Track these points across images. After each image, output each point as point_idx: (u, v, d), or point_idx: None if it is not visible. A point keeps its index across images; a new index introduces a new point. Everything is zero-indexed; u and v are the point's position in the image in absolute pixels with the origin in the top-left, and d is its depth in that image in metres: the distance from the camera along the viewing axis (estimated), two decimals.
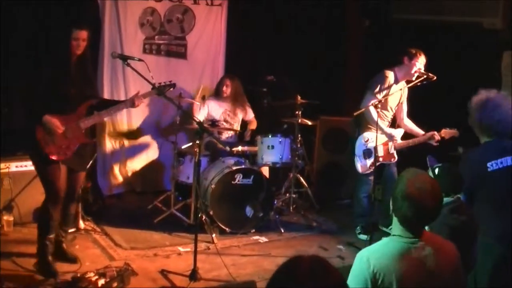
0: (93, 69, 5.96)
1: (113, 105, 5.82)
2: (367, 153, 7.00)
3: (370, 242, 6.23)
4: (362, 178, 7.13)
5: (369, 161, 6.97)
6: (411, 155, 6.93)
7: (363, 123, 7.03)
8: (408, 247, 3.09)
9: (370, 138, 6.95)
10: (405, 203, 3.10)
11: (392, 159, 6.98)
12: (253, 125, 8.07)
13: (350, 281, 3.06)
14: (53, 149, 5.38)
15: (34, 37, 7.03)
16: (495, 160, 4.52)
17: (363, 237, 6.99)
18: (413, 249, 3.10)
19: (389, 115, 7.05)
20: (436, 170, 4.34)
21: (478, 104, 4.76)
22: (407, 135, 7.11)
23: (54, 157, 5.38)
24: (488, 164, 4.53)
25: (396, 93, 6.93)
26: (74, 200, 5.91)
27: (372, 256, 3.06)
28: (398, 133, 7.02)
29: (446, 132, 6.82)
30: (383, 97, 6.78)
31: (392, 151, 6.95)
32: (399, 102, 7.08)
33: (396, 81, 6.90)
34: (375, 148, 6.67)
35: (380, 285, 3.00)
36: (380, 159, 6.93)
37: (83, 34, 5.42)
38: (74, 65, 5.48)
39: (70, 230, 6.30)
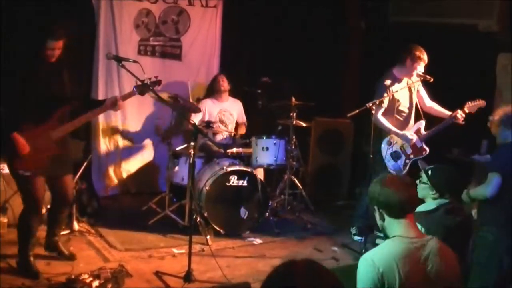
0: (74, 72, 5.81)
1: (93, 108, 5.68)
2: (395, 155, 6.90)
3: (364, 244, 6.26)
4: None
5: (400, 162, 6.88)
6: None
7: (382, 132, 6.90)
8: (409, 247, 3.13)
9: (393, 140, 6.89)
10: (385, 189, 3.22)
11: (424, 152, 6.84)
12: (242, 130, 8.08)
13: (360, 284, 3.10)
14: (21, 164, 5.30)
15: (27, 37, 7.00)
16: None
17: (357, 238, 6.99)
18: (414, 248, 3.14)
19: (406, 113, 6.98)
20: (430, 172, 4.35)
21: None
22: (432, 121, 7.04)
23: (22, 172, 5.32)
24: None
25: (402, 91, 6.89)
26: (66, 205, 5.88)
27: (376, 258, 3.10)
28: (418, 126, 6.93)
29: (471, 106, 6.71)
30: (387, 104, 6.80)
31: (420, 144, 6.86)
32: (410, 96, 7.01)
33: (398, 81, 6.89)
34: (402, 147, 6.77)
35: (387, 285, 3.04)
36: (411, 156, 6.86)
37: (59, 44, 5.32)
38: (48, 71, 5.39)
39: (64, 232, 6.32)
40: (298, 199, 8.10)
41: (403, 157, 6.86)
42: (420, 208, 4.32)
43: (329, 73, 9.29)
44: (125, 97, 5.71)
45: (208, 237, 6.61)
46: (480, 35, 7.78)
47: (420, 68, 6.75)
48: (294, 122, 7.59)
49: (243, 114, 8.17)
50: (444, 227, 4.04)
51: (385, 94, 6.75)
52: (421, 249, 3.15)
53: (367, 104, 6.76)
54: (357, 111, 6.92)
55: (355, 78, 9.47)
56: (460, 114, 6.70)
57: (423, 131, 6.90)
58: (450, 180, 4.32)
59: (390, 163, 6.90)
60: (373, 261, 3.09)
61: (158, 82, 5.76)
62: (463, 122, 6.73)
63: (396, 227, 3.23)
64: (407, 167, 6.81)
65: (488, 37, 7.77)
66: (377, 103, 6.70)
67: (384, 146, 6.94)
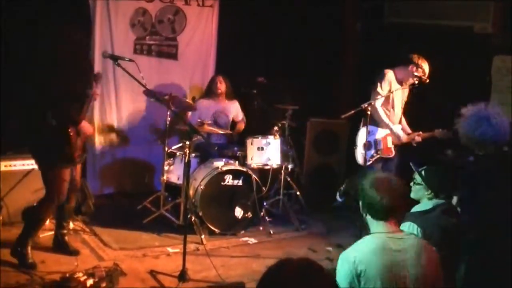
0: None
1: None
2: (367, 145, 7.01)
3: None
4: (365, 171, 7.22)
5: (369, 153, 7.03)
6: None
7: (371, 118, 6.91)
8: (386, 241, 3.19)
9: (372, 131, 7.03)
10: (372, 191, 3.26)
11: (390, 154, 7.02)
12: (241, 126, 8.12)
13: (338, 280, 3.12)
14: (78, 153, 5.64)
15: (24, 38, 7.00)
16: None
17: (339, 199, 7.26)
18: (391, 242, 3.19)
19: (394, 113, 7.09)
20: (423, 172, 4.36)
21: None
22: None
23: (79, 160, 5.70)
24: None
25: (398, 91, 7.00)
26: (76, 192, 6.09)
27: (354, 254, 3.17)
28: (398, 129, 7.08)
29: (440, 133, 6.84)
30: (386, 94, 6.91)
31: (390, 145, 7.01)
32: (401, 101, 7.16)
33: (397, 80, 6.99)
34: (376, 141, 6.90)
35: (364, 279, 3.09)
36: (379, 152, 7.03)
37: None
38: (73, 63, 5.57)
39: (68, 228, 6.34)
40: (293, 199, 8.10)
41: (373, 150, 7.06)
42: (416, 208, 4.35)
43: (324, 74, 9.29)
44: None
45: (202, 236, 6.62)
46: (475, 37, 7.80)
47: (418, 74, 6.85)
48: (289, 123, 7.60)
49: (240, 112, 8.20)
50: (440, 227, 4.05)
51: (385, 82, 6.93)
52: (399, 241, 3.22)
53: (362, 105, 6.80)
54: (352, 112, 6.95)
55: (351, 79, 9.48)
56: (416, 139, 6.96)
57: (401, 134, 7.06)
58: (444, 180, 4.34)
59: (360, 151, 7.11)
60: (352, 258, 3.15)
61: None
62: (415, 145, 6.96)
63: (375, 226, 3.31)
64: (372, 160, 7.02)
65: (483, 39, 7.79)
66: (379, 87, 6.88)
67: (361, 133, 7.11)
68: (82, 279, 5.04)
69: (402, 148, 7.14)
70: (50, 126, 5.39)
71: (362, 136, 7.05)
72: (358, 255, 3.15)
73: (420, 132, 6.98)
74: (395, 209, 3.29)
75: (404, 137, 7.00)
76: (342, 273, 3.15)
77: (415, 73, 6.83)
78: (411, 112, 7.45)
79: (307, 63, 9.17)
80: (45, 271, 5.47)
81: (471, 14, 7.81)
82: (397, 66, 7.03)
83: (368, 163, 6.98)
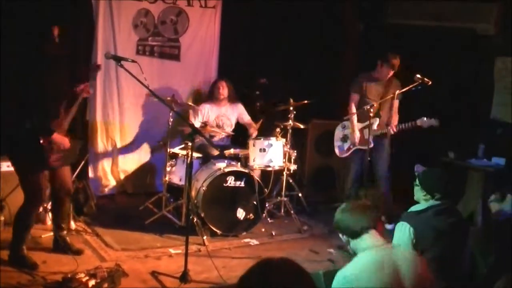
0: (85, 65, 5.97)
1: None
2: (344, 138, 7.88)
3: None
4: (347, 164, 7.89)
5: (346, 145, 7.82)
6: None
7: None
8: (381, 259, 3.24)
9: (347, 125, 7.79)
10: (344, 216, 3.46)
11: (368, 145, 7.23)
12: (254, 129, 8.02)
13: None
14: (55, 157, 5.52)
15: (25, 38, 7.00)
16: None
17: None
18: (386, 258, 3.25)
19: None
20: (421, 175, 4.39)
21: None
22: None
23: (56, 164, 5.57)
24: None
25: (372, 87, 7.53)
26: (67, 195, 6.02)
27: (352, 273, 3.19)
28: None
29: (424, 122, 7.06)
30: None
31: (367, 137, 7.26)
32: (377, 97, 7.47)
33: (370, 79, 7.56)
34: (351, 133, 7.54)
35: None
36: (356, 144, 7.55)
37: (55, 30, 5.48)
38: (52, 67, 5.54)
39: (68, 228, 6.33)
40: (295, 200, 8.10)
41: (349, 142, 7.74)
42: (411, 209, 4.39)
43: (326, 75, 9.30)
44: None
45: (204, 237, 6.61)
46: (478, 38, 7.80)
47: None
48: (291, 124, 7.60)
49: (245, 114, 8.16)
50: (432, 228, 4.07)
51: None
52: (392, 256, 3.28)
53: (364, 107, 6.83)
54: (355, 112, 6.96)
55: (350, 79, 9.48)
56: (392, 127, 7.37)
57: (374, 127, 7.36)
58: (438, 181, 4.36)
59: (337, 143, 7.96)
60: (349, 276, 3.18)
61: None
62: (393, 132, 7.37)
63: (362, 243, 3.38)
64: (349, 152, 7.71)
65: (486, 40, 7.80)
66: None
67: (338, 128, 7.96)
68: (84, 279, 5.03)
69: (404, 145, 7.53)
70: (24, 131, 5.40)
71: (338, 131, 7.96)
72: (357, 273, 3.19)
73: (394, 125, 7.38)
74: (370, 220, 3.43)
75: (374, 125, 7.36)
76: None
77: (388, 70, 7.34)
78: (411, 112, 7.45)
79: (309, 64, 9.17)
80: (47, 272, 5.46)
81: (473, 15, 7.82)
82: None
83: (345, 155, 7.82)
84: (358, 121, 7.57)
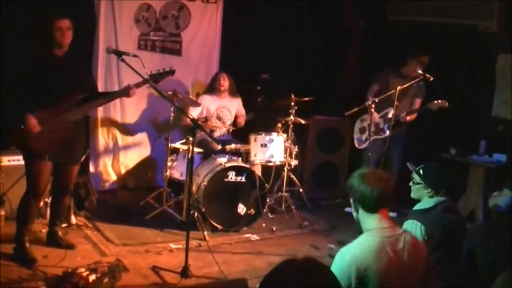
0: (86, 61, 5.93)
1: (104, 96, 5.93)
2: (362, 130, 8.11)
3: None
4: (362, 156, 7.92)
5: (364, 136, 8.02)
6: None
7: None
8: (384, 241, 3.21)
9: (365, 117, 7.99)
10: (362, 185, 3.29)
11: (382, 133, 7.76)
12: (241, 121, 8.21)
13: None
14: (36, 144, 5.41)
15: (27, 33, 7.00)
16: None
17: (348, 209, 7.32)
18: (389, 243, 3.21)
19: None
20: (421, 171, 4.36)
21: None
22: None
23: (37, 152, 5.44)
24: None
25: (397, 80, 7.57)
26: (67, 194, 6.00)
27: (352, 254, 3.15)
28: (386, 111, 7.70)
29: (434, 104, 7.23)
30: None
31: (382, 126, 7.61)
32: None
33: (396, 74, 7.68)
34: (369, 125, 7.42)
35: (363, 278, 3.09)
36: (373, 134, 7.56)
37: (66, 22, 5.41)
38: (61, 58, 5.51)
39: (62, 225, 6.30)
40: (296, 196, 8.11)
41: (366, 133, 7.88)
42: (417, 207, 4.34)
43: (328, 72, 9.30)
44: (138, 84, 5.82)
45: (205, 232, 6.61)
46: (479, 35, 7.80)
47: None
48: (293, 119, 7.60)
49: (242, 109, 8.20)
50: (442, 225, 4.05)
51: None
52: (397, 241, 3.24)
53: (366, 103, 6.84)
54: (356, 109, 6.98)
55: (354, 76, 9.48)
56: (404, 115, 7.58)
57: (389, 116, 7.50)
58: (443, 176, 4.34)
59: (356, 136, 8.20)
60: (349, 257, 3.14)
61: (171, 72, 6.05)
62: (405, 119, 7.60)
63: (370, 221, 3.32)
64: (367, 143, 7.69)
65: (487, 37, 7.79)
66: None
67: (357, 121, 8.17)
68: (84, 274, 5.03)
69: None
70: (14, 119, 5.40)
71: (357, 123, 8.18)
72: (357, 255, 3.15)
73: (404, 113, 7.56)
74: (388, 199, 3.32)
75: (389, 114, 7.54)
76: (340, 271, 3.12)
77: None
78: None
79: (310, 60, 9.17)
80: (48, 266, 5.47)
81: (476, 12, 7.81)
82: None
83: (362, 146, 8.01)
84: (375, 110, 7.52)
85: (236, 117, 8.15)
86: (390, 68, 7.80)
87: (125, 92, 5.79)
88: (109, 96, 6.01)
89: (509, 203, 4.37)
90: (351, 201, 3.40)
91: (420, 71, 6.84)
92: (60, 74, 5.44)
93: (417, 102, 7.68)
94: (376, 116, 7.64)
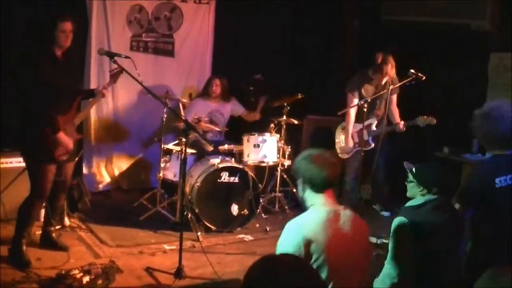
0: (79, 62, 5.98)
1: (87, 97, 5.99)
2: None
3: None
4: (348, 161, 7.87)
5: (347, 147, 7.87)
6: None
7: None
8: (328, 215, 3.43)
9: (344, 125, 7.81)
10: (311, 166, 3.53)
11: (368, 146, 7.48)
12: (253, 115, 8.22)
13: (282, 248, 3.36)
14: (61, 152, 5.51)
15: (22, 35, 7.00)
16: (505, 176, 4.14)
17: (386, 213, 7.78)
18: (333, 215, 3.44)
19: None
20: (414, 170, 4.36)
21: (485, 115, 4.48)
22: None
23: (62, 158, 5.56)
24: (497, 180, 4.16)
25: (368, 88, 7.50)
26: (65, 191, 6.04)
27: (301, 225, 3.38)
28: (369, 122, 7.52)
29: (422, 120, 7.13)
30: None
31: (367, 138, 7.46)
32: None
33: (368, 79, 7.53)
34: (345, 139, 7.64)
35: (310, 251, 3.28)
36: (356, 145, 7.61)
37: (69, 25, 5.43)
38: (60, 59, 5.52)
39: (56, 227, 6.29)
40: (289, 196, 8.10)
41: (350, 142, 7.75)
42: (408, 204, 4.36)
43: (321, 71, 9.30)
44: (108, 84, 6.00)
45: (199, 233, 6.62)
46: (472, 34, 7.81)
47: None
48: (286, 120, 7.61)
49: (240, 107, 8.21)
50: (430, 223, 4.05)
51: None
52: (339, 215, 3.45)
53: (359, 102, 6.84)
54: (348, 109, 6.96)
55: (348, 76, 9.47)
56: (402, 125, 7.33)
57: (373, 128, 7.56)
58: (435, 175, 4.33)
59: (338, 146, 7.99)
60: (297, 228, 3.36)
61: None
62: (403, 130, 7.36)
63: (316, 199, 3.53)
64: (351, 153, 7.71)
65: (480, 36, 7.80)
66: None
67: (338, 129, 8.00)
68: (78, 276, 5.03)
69: (397, 141, 7.60)
70: (32, 125, 5.41)
71: (338, 132, 7.99)
72: (304, 224, 3.37)
73: (402, 124, 7.35)
74: (334, 180, 3.56)
75: (372, 125, 7.54)
76: (289, 241, 3.33)
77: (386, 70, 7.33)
78: (406, 108, 7.48)
79: (305, 60, 9.17)
80: (41, 268, 5.45)
81: (468, 11, 7.81)
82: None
83: (346, 157, 7.83)
84: (356, 121, 7.56)
85: (240, 117, 8.16)
86: (358, 74, 7.67)
87: (100, 96, 5.89)
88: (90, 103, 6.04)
89: None
90: (298, 182, 3.62)
91: (412, 70, 6.83)
92: (61, 75, 5.46)
93: (394, 98, 7.61)
94: (352, 130, 7.65)
